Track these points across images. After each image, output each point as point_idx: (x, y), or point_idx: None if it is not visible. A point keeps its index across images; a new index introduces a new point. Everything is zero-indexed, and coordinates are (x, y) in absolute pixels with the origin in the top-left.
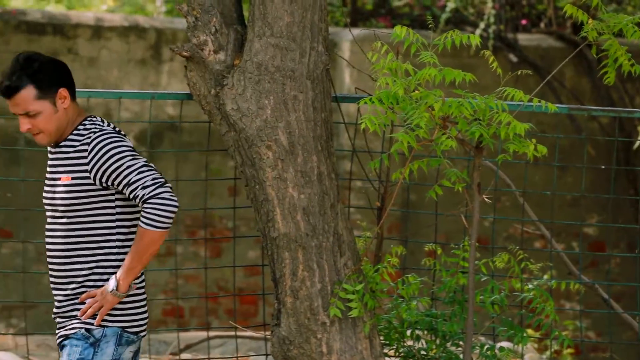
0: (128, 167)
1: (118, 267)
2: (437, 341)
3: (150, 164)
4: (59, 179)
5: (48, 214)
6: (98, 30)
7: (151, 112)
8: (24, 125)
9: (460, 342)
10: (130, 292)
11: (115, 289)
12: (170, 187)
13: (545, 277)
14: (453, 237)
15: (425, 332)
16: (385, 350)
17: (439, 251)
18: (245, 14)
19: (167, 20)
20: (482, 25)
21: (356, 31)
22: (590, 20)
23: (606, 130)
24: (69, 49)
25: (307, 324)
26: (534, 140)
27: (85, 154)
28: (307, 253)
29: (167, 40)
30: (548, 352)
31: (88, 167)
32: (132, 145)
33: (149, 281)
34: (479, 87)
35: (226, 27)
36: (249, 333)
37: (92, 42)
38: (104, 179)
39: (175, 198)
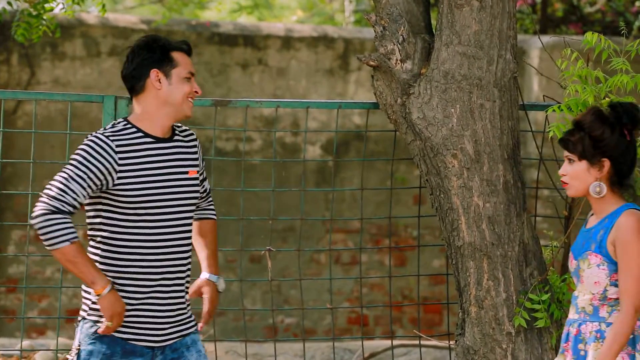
0: None
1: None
2: None
3: None
4: (187, 172)
5: (166, 209)
6: (287, 41)
7: (338, 122)
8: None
9: None
10: None
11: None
12: None
13: None
14: None
15: None
16: None
17: None
18: (433, 22)
19: (356, 30)
20: None
21: (545, 38)
22: None
23: None
24: (259, 60)
25: (492, 334)
26: None
27: (196, 149)
28: (492, 262)
29: (355, 50)
30: None
31: (198, 161)
32: None
33: (334, 289)
34: None
35: (413, 36)
36: (433, 342)
37: (281, 53)
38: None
39: None
